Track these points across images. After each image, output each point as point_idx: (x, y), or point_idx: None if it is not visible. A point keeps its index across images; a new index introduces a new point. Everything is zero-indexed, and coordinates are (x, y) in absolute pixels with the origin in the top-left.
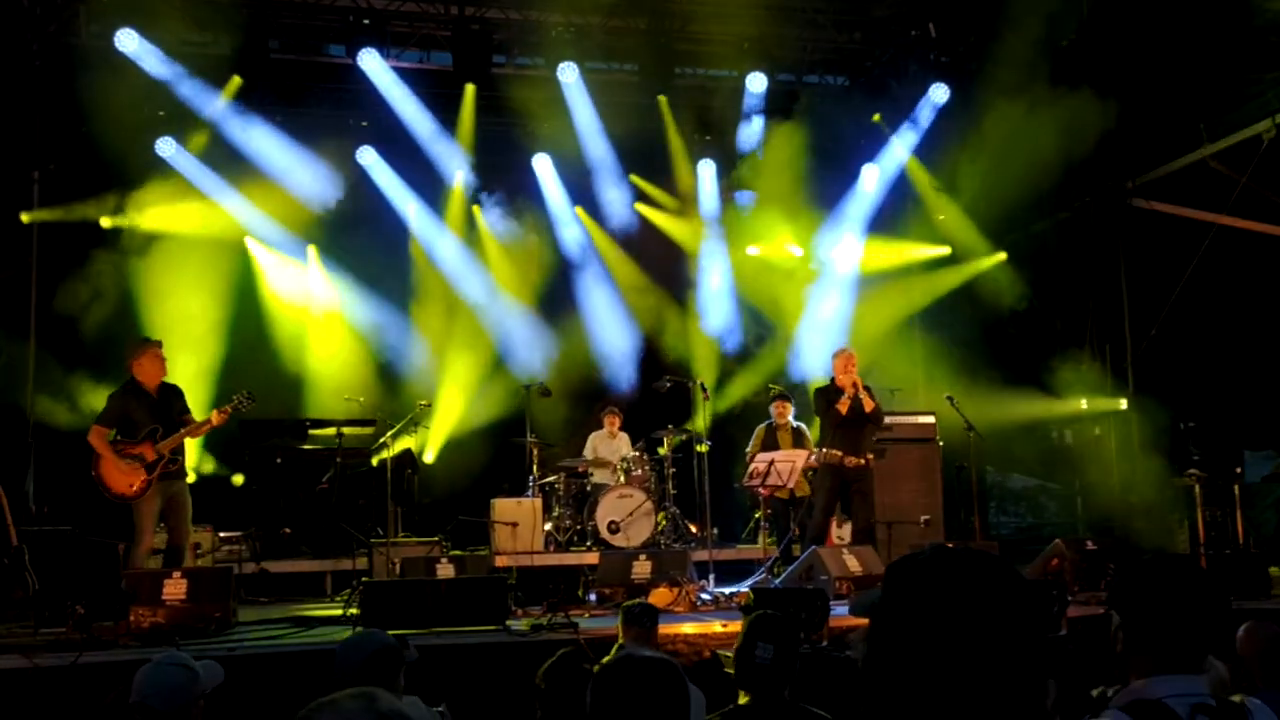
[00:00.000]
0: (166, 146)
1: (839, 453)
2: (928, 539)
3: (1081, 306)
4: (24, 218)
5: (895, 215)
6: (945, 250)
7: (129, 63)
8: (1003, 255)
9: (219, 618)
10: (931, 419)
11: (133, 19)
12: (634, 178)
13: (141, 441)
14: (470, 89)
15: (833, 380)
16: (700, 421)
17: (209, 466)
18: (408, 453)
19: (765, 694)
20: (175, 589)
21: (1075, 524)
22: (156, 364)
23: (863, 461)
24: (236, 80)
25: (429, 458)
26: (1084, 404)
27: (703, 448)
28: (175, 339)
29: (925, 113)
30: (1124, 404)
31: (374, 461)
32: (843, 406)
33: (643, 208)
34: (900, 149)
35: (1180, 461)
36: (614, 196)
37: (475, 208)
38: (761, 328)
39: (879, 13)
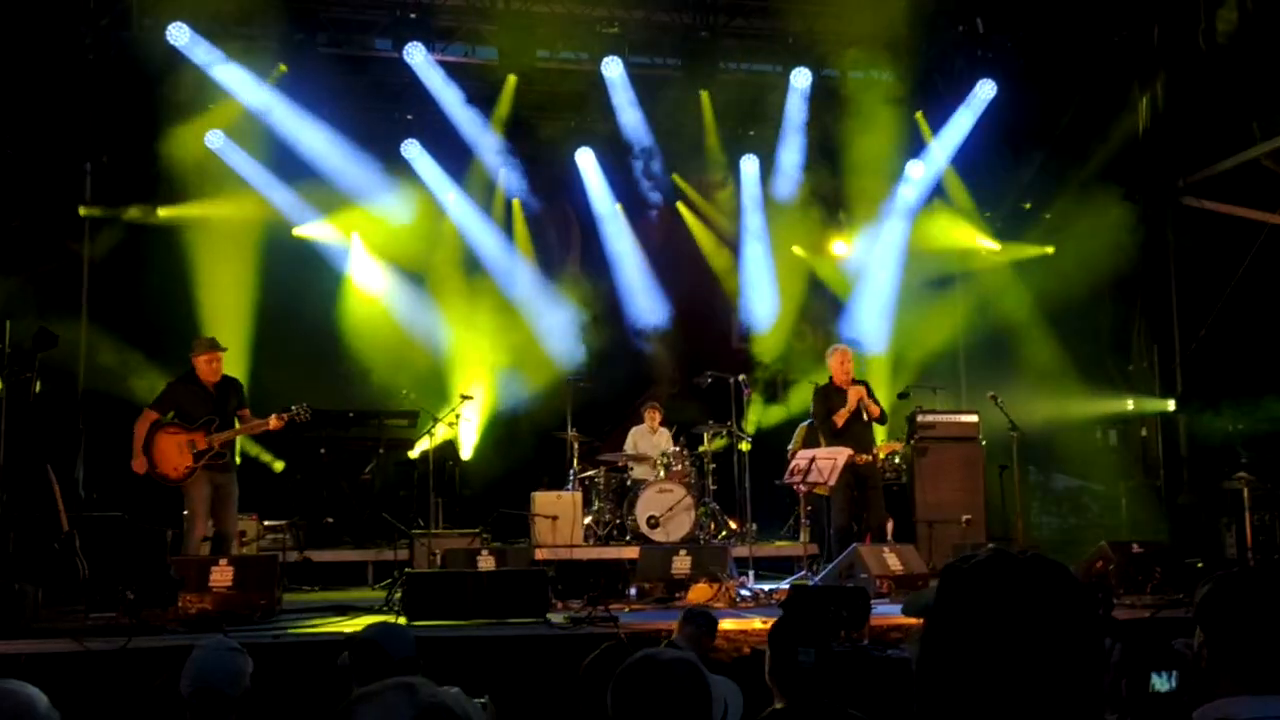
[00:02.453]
0: (215, 139)
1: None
2: (969, 538)
3: (1130, 306)
4: (82, 211)
5: (938, 210)
6: (995, 246)
7: (180, 55)
8: (1050, 249)
9: (264, 605)
10: (974, 418)
11: (184, 13)
12: (675, 177)
13: (197, 429)
14: (511, 79)
15: (831, 380)
16: (749, 418)
17: (254, 451)
18: (449, 445)
19: (807, 698)
20: (222, 576)
21: (1119, 526)
22: (208, 368)
23: (869, 458)
24: (282, 69)
25: (470, 450)
26: (1130, 405)
27: (744, 445)
28: (221, 328)
29: (971, 108)
30: (1171, 405)
31: (414, 454)
32: (839, 419)
33: (684, 205)
34: (945, 143)
35: (1228, 464)
36: (656, 192)
37: (515, 202)
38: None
39: (926, 8)
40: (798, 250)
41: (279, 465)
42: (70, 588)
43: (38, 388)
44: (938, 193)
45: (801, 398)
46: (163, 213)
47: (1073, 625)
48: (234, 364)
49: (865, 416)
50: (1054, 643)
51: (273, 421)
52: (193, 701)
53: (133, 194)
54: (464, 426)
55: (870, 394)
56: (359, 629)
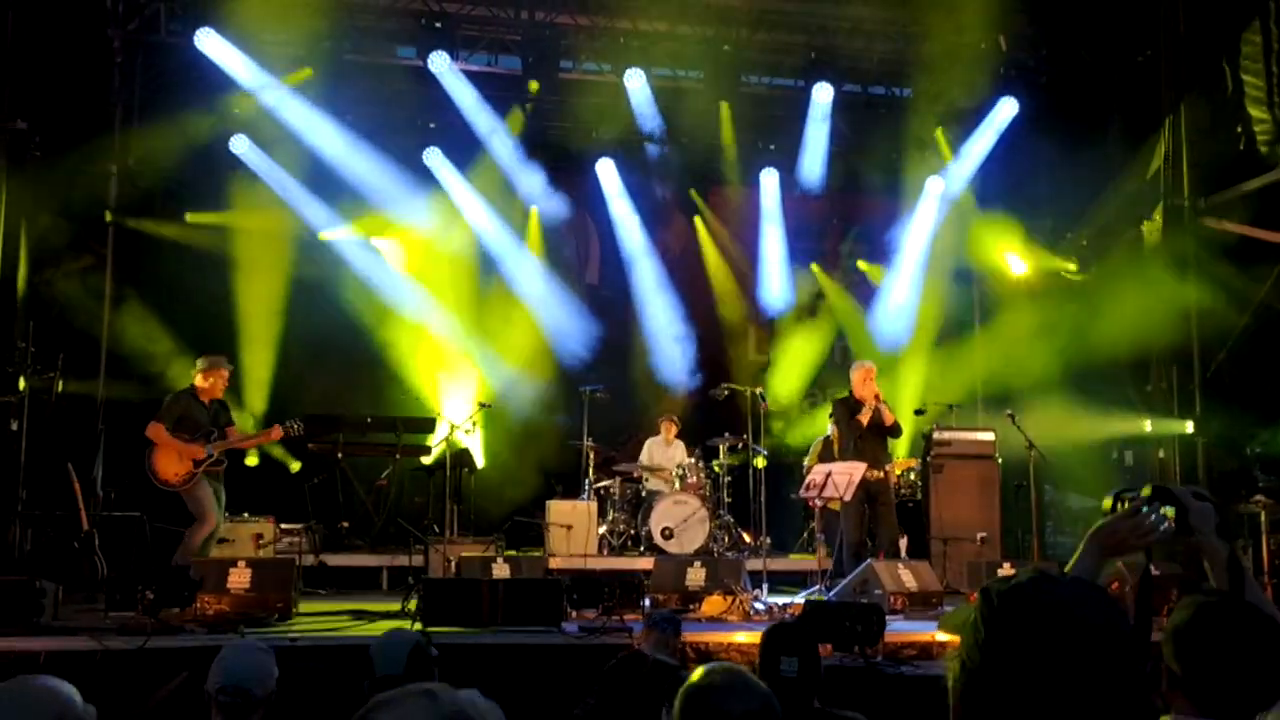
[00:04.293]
0: (240, 143)
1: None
2: (984, 556)
3: (1149, 327)
4: (108, 217)
5: (958, 228)
6: (1020, 269)
7: (206, 61)
8: (1072, 265)
9: (281, 608)
10: (991, 436)
11: (211, 18)
12: (693, 191)
13: (196, 440)
14: (534, 88)
15: (851, 393)
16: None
17: (277, 453)
18: (465, 452)
19: (793, 706)
20: (240, 578)
21: None
22: (221, 381)
23: (882, 474)
24: (307, 72)
25: (485, 458)
26: (1148, 426)
27: (760, 461)
28: (246, 332)
29: (992, 127)
30: (1189, 427)
31: (430, 461)
32: (864, 418)
33: (703, 216)
34: (966, 162)
35: (1246, 487)
36: (675, 203)
37: (534, 210)
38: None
39: (946, 24)
40: (815, 268)
41: (295, 465)
42: (89, 586)
43: (60, 387)
44: (956, 208)
45: (818, 412)
46: (190, 217)
47: (1115, 646)
48: (257, 367)
49: (884, 421)
50: (1097, 664)
51: (275, 432)
52: (220, 699)
53: (159, 198)
54: (480, 434)
55: (887, 406)
56: (378, 633)
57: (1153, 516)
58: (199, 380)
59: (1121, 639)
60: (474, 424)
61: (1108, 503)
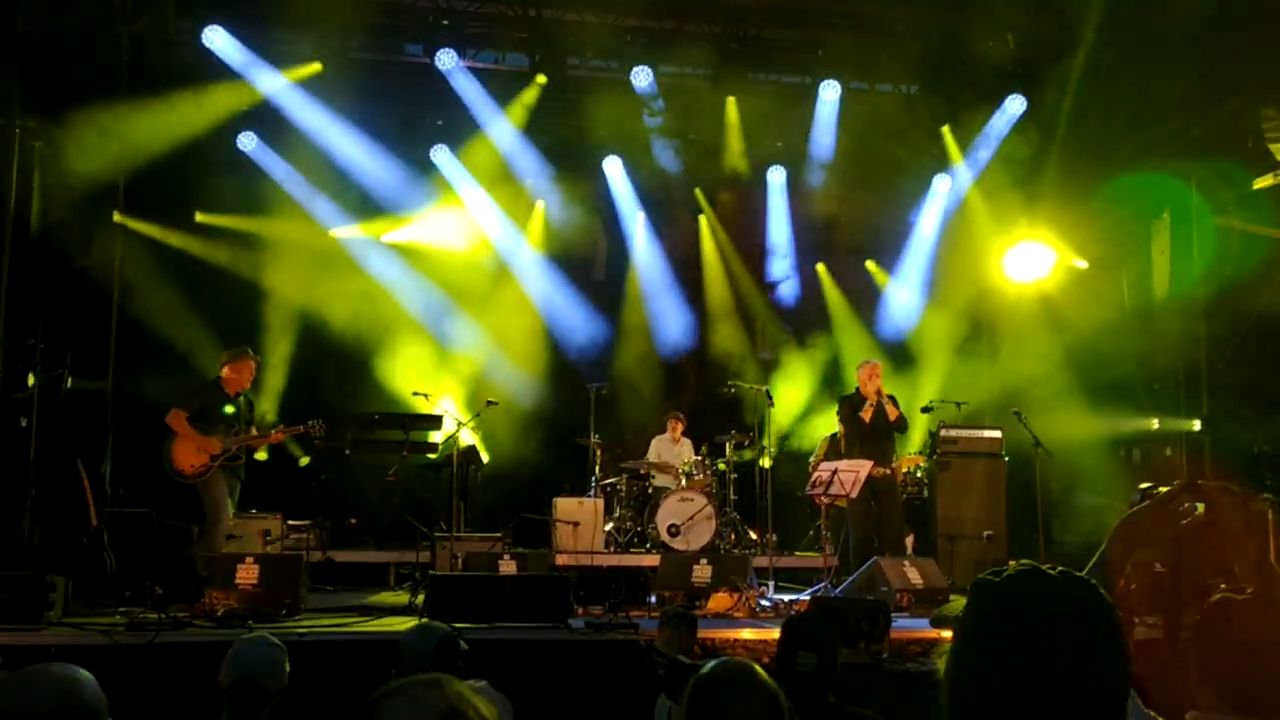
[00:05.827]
0: (248, 141)
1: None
2: (990, 554)
3: (1157, 324)
4: (115, 217)
5: (965, 226)
6: (1028, 266)
7: (215, 57)
8: (1081, 262)
9: (289, 603)
10: (998, 434)
11: (219, 15)
12: (698, 190)
13: (215, 433)
14: (541, 84)
15: (857, 390)
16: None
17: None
18: (472, 449)
19: (809, 701)
20: (248, 574)
21: None
22: (246, 374)
23: (888, 471)
24: (315, 67)
25: (492, 455)
26: (1155, 424)
27: (765, 461)
28: (256, 330)
29: (1000, 123)
30: (1197, 425)
31: (437, 457)
32: (866, 415)
33: (710, 215)
34: (974, 160)
35: (1253, 486)
36: (682, 201)
37: (542, 208)
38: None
39: (954, 22)
40: (821, 267)
41: (304, 459)
42: (99, 581)
43: (69, 384)
44: (964, 206)
45: (825, 411)
46: (198, 216)
47: (1101, 640)
48: (267, 364)
49: (888, 417)
50: (1082, 657)
51: (296, 432)
52: (232, 692)
53: (167, 196)
54: (487, 432)
55: (894, 403)
56: (386, 629)
57: (1182, 507)
58: (225, 372)
59: (1104, 634)
60: (481, 421)
61: (1135, 497)
